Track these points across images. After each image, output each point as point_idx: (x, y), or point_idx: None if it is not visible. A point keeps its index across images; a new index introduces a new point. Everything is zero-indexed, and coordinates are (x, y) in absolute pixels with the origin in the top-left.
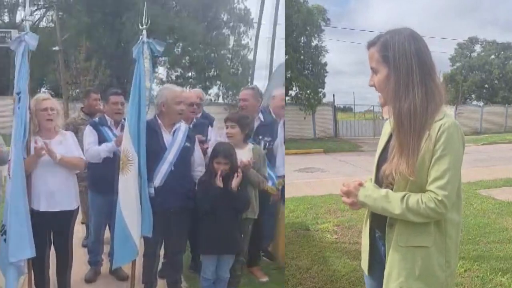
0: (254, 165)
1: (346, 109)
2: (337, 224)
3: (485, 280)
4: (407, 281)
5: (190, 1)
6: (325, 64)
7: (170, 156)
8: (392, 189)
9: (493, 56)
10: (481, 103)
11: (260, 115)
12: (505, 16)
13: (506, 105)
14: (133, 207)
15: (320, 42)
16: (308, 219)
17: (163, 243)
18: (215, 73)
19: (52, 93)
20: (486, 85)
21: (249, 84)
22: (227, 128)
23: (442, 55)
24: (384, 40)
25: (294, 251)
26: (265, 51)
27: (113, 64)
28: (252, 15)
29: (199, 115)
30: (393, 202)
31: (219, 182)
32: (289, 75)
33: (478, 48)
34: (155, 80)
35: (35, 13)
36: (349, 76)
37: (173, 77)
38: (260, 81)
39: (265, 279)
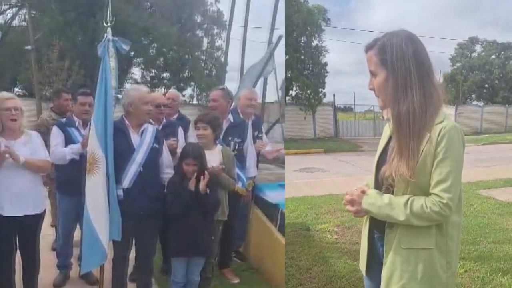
0: (224, 166)
1: (347, 109)
2: (337, 225)
3: (485, 281)
4: (410, 283)
5: (164, 3)
6: (326, 64)
7: (139, 157)
8: (392, 191)
9: (493, 56)
10: (482, 103)
11: (230, 116)
12: (506, 16)
13: (507, 105)
14: (101, 210)
15: (320, 42)
16: (308, 219)
17: (133, 246)
18: (189, 75)
19: (26, 93)
20: (487, 85)
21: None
22: (198, 129)
23: (442, 55)
24: (382, 43)
25: (294, 251)
26: (238, 53)
27: (87, 64)
28: (225, 17)
29: (175, 116)
30: (397, 208)
31: (192, 185)
32: (289, 75)
33: (478, 48)
34: (130, 81)
35: (7, 11)
36: (350, 76)
37: (148, 78)
38: (232, 83)
39: (236, 280)
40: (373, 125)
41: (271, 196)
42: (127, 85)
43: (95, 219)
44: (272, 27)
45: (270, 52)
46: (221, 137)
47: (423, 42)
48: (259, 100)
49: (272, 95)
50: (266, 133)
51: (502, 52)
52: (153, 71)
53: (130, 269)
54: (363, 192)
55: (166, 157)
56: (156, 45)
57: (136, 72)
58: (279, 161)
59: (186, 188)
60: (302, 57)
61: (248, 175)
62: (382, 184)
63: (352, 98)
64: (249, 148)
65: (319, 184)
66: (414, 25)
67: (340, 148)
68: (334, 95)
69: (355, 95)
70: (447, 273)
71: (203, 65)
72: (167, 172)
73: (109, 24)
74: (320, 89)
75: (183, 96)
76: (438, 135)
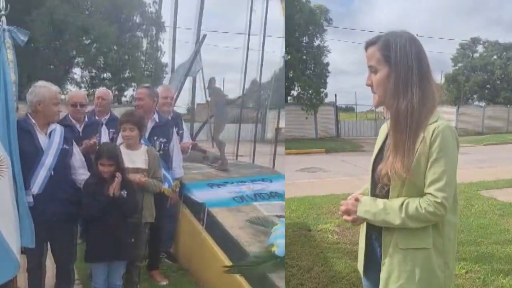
0: (149, 167)
1: (348, 109)
2: (338, 225)
3: (486, 282)
4: (408, 284)
5: (103, 2)
6: (327, 64)
7: (48, 160)
8: (387, 190)
9: (495, 57)
10: (483, 104)
11: (156, 116)
12: (510, 16)
13: (508, 105)
14: (9, 217)
15: (322, 42)
16: (309, 219)
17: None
18: (130, 75)
19: None
20: (488, 86)
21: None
22: (125, 130)
23: (444, 55)
24: (386, 40)
25: (295, 251)
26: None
27: (24, 63)
28: (164, 18)
29: (107, 116)
30: (392, 213)
31: (111, 189)
32: (291, 75)
33: (480, 48)
34: (71, 82)
35: None
36: (351, 76)
37: (88, 78)
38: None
39: (164, 282)
40: (374, 125)
41: (199, 195)
42: (69, 86)
43: (3, 226)
44: (199, 27)
45: (195, 51)
46: (146, 136)
47: (425, 42)
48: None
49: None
50: (196, 135)
51: (504, 53)
52: (93, 71)
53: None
54: (357, 200)
55: (77, 158)
56: (96, 45)
57: (77, 72)
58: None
59: (102, 190)
60: (304, 57)
61: (175, 176)
62: (378, 183)
63: (353, 98)
64: (175, 149)
65: (321, 184)
66: (417, 25)
67: (341, 148)
68: (335, 95)
69: (356, 95)
70: (445, 273)
71: (143, 65)
72: (81, 173)
73: (2, 12)
74: (321, 89)
75: (124, 96)
76: (432, 135)
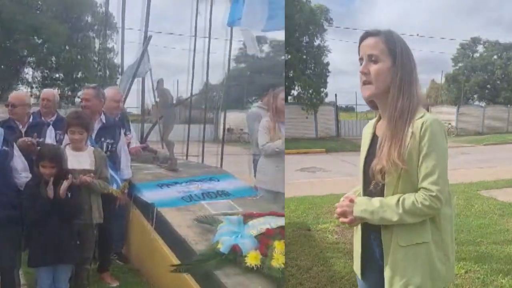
0: (96, 168)
1: (348, 109)
2: (338, 225)
3: (486, 282)
4: (413, 279)
5: (53, 1)
6: (327, 64)
7: None
8: (382, 187)
9: (495, 57)
10: (483, 104)
11: (102, 117)
12: (510, 16)
13: (508, 105)
14: None
15: (322, 42)
16: (309, 219)
17: None
18: (82, 75)
19: None
20: (489, 86)
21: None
22: (73, 133)
23: (445, 55)
24: (390, 35)
25: (295, 251)
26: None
27: None
28: (116, 19)
29: (53, 117)
30: (388, 210)
31: (50, 192)
32: (291, 75)
33: (480, 48)
34: (22, 82)
35: None
36: (352, 75)
37: (40, 78)
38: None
39: (115, 284)
40: None
41: (148, 195)
42: (20, 86)
43: None
44: (146, 28)
45: (142, 52)
46: (93, 137)
47: (426, 42)
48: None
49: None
50: (147, 136)
51: (504, 53)
52: (45, 71)
53: None
54: (351, 201)
55: (18, 160)
56: (47, 45)
57: (30, 72)
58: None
59: (43, 192)
60: (304, 56)
61: (123, 177)
62: (371, 182)
63: (354, 98)
64: (122, 150)
65: (320, 184)
66: (418, 25)
67: (341, 148)
68: (335, 95)
69: (357, 95)
70: (446, 265)
71: (96, 66)
72: (24, 176)
73: None
74: (321, 89)
75: (78, 97)
76: (421, 130)
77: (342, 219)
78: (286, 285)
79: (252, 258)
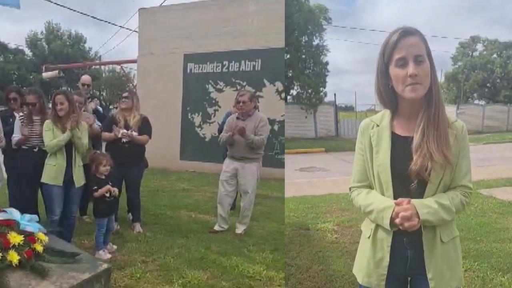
0: None
1: (348, 108)
2: (337, 224)
3: (485, 280)
4: (457, 271)
5: None
6: (327, 63)
7: None
8: (421, 188)
9: (495, 55)
10: (483, 102)
11: None
12: None
13: (508, 104)
14: None
15: (321, 41)
16: (308, 218)
17: None
18: None
19: None
20: (488, 84)
21: None
22: None
23: (446, 54)
24: (423, 36)
25: (294, 251)
26: None
27: None
28: None
29: None
30: (445, 211)
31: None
32: (290, 74)
33: (480, 47)
34: None
35: None
36: (352, 75)
37: None
38: None
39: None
40: None
41: None
42: None
43: None
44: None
45: None
46: None
47: (430, 41)
48: None
49: None
50: None
51: (504, 51)
52: None
53: None
54: (400, 204)
55: None
56: None
57: None
58: None
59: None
60: (303, 56)
61: None
62: (406, 183)
63: (353, 97)
64: None
65: (320, 183)
66: (421, 24)
67: (341, 147)
68: (335, 94)
69: (356, 94)
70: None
71: None
72: None
73: None
74: (321, 88)
75: None
76: (461, 132)
77: (406, 224)
78: (285, 284)
79: None
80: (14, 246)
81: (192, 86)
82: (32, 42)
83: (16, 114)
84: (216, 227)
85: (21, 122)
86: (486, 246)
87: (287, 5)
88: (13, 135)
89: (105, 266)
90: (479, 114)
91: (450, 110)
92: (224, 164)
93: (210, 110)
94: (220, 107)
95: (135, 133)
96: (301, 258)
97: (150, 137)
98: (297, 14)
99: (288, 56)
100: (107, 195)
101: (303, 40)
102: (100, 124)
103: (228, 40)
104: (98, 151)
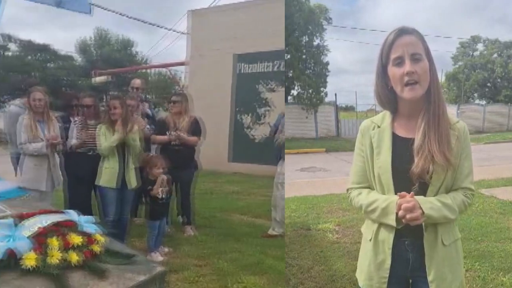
0: None
1: (348, 108)
2: (338, 224)
3: (486, 280)
4: (459, 275)
5: None
6: (327, 63)
7: None
8: (422, 189)
9: (495, 55)
10: (484, 102)
11: None
12: None
13: (509, 104)
14: None
15: (322, 41)
16: (309, 218)
17: None
18: None
19: None
20: (489, 84)
21: None
22: None
23: (446, 54)
24: (421, 35)
25: (295, 251)
26: None
27: None
28: None
29: None
30: (448, 209)
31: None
32: (290, 75)
33: (480, 47)
34: None
35: None
36: (353, 75)
37: None
38: None
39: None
40: None
41: None
42: None
43: None
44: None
45: None
46: None
47: (431, 41)
48: None
49: None
50: None
51: (505, 51)
52: None
53: None
54: (403, 197)
55: None
56: None
57: None
58: None
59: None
60: (304, 56)
61: None
62: (407, 185)
63: (354, 97)
64: None
65: (321, 183)
66: (422, 23)
67: (342, 147)
68: (335, 94)
69: (356, 94)
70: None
71: None
72: None
73: None
74: (321, 89)
75: None
76: (463, 133)
77: (408, 216)
78: (286, 284)
79: (29, 260)
80: (73, 246)
81: (242, 86)
82: (82, 48)
83: (71, 119)
84: (270, 231)
85: (76, 126)
86: (487, 246)
87: (287, 5)
88: (69, 139)
89: (160, 268)
90: (479, 114)
91: (450, 110)
92: (279, 166)
93: (260, 111)
94: (271, 107)
95: (183, 134)
96: (302, 258)
97: (200, 138)
98: (298, 14)
99: (288, 56)
100: (160, 196)
101: (304, 40)
102: (149, 127)
103: (279, 39)
104: (152, 154)
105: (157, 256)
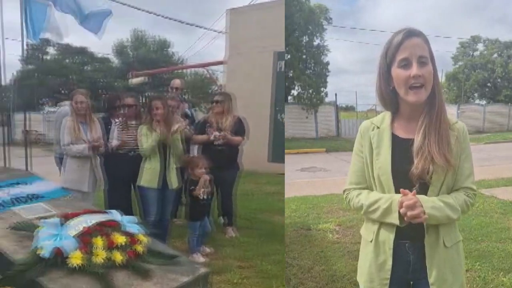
0: None
1: (349, 108)
2: (338, 224)
3: (487, 280)
4: (460, 277)
5: None
6: (327, 63)
7: None
8: (423, 190)
9: (495, 55)
10: (484, 102)
11: None
12: None
13: (509, 104)
14: None
15: (322, 41)
16: (309, 218)
17: None
18: None
19: None
20: (489, 84)
21: None
22: None
23: (446, 54)
24: (427, 38)
25: (296, 251)
26: None
27: None
28: None
29: None
30: (450, 208)
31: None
32: (291, 75)
33: (480, 46)
34: None
35: None
36: (353, 74)
37: None
38: None
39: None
40: None
41: None
42: None
43: None
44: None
45: None
46: None
47: (432, 41)
48: None
49: None
50: None
51: (505, 51)
52: None
53: None
54: (405, 194)
55: None
56: None
57: None
58: None
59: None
60: (304, 56)
61: None
62: (407, 185)
63: (354, 97)
64: None
65: (321, 183)
66: (422, 23)
67: (342, 147)
68: (336, 94)
69: (357, 94)
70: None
71: None
72: None
73: None
74: (322, 89)
75: None
76: (462, 134)
77: (409, 213)
78: (287, 284)
79: (75, 259)
80: (117, 246)
81: (282, 85)
82: (118, 50)
83: (112, 120)
84: None
85: (117, 127)
86: (487, 246)
87: (288, 5)
88: (110, 140)
89: (203, 270)
90: (479, 114)
91: (450, 110)
92: None
93: None
94: None
95: (228, 134)
96: (302, 258)
97: (244, 138)
98: (298, 14)
99: (288, 56)
100: (201, 197)
101: (304, 40)
102: (189, 127)
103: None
104: (194, 154)
105: (199, 257)
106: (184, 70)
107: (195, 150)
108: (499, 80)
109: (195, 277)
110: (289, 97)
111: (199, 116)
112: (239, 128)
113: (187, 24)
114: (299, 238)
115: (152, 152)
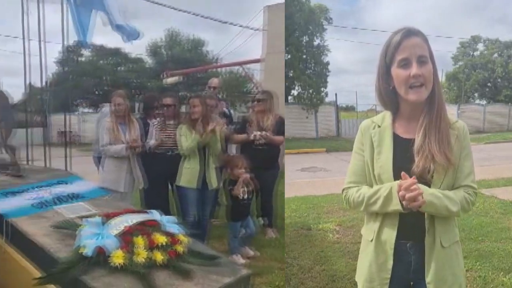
0: None
1: (349, 108)
2: (339, 224)
3: (487, 280)
4: (460, 277)
5: None
6: (328, 63)
7: None
8: (427, 186)
9: (496, 55)
10: (484, 102)
11: None
12: None
13: (509, 104)
14: None
15: (322, 41)
16: (310, 218)
17: None
18: None
19: None
20: (489, 84)
21: None
22: None
23: (446, 54)
24: (426, 37)
25: (296, 251)
26: None
27: None
28: None
29: None
30: (449, 200)
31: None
32: (291, 75)
33: (481, 46)
34: None
35: None
36: (353, 74)
37: None
38: None
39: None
40: None
41: None
42: None
43: None
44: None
45: None
46: None
47: (433, 41)
48: None
49: None
50: None
51: (505, 50)
52: None
53: None
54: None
55: None
56: None
57: None
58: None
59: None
60: (304, 56)
61: None
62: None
63: (354, 97)
64: None
65: (321, 183)
66: (422, 23)
67: (342, 147)
68: (336, 94)
69: (357, 94)
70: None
71: None
72: None
73: None
74: (322, 89)
75: None
76: (463, 133)
77: (408, 195)
78: (287, 284)
79: (117, 258)
80: (158, 246)
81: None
82: (152, 50)
83: (149, 121)
84: None
85: (155, 127)
86: (487, 246)
87: (288, 5)
88: (147, 140)
89: (245, 271)
90: (480, 114)
91: (451, 110)
92: None
93: None
94: None
95: (270, 134)
96: (302, 258)
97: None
98: (298, 14)
99: (289, 56)
100: (241, 197)
101: (304, 40)
102: (227, 126)
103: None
104: (232, 154)
105: (239, 259)
106: (219, 69)
107: (233, 150)
108: (499, 80)
109: (237, 279)
110: (289, 97)
111: (236, 115)
112: (281, 127)
113: (223, 22)
114: (299, 238)
115: (192, 152)
